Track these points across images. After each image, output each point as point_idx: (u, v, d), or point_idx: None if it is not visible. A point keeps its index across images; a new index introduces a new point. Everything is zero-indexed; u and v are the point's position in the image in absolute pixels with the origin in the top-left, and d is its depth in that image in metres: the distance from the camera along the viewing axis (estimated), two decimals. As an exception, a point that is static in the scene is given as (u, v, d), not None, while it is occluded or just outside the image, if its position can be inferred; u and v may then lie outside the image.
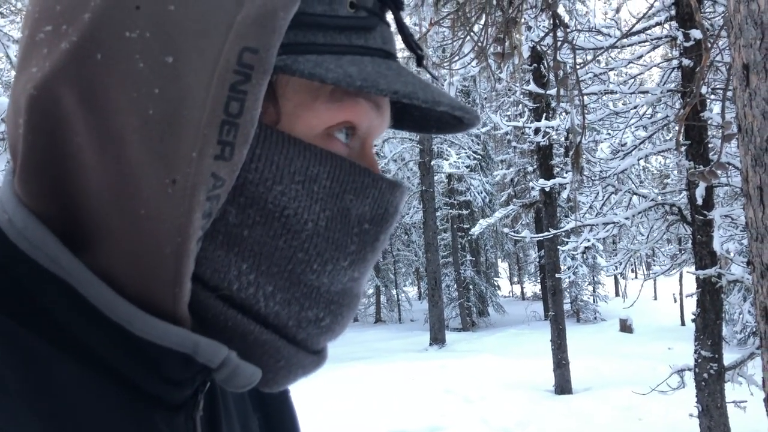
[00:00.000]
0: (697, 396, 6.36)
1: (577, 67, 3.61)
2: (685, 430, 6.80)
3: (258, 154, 0.45)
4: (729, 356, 6.50)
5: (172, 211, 0.42)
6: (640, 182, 13.21)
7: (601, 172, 6.94)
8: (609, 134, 9.62)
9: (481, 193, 22.49)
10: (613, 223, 7.02)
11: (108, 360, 0.44)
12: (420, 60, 0.57)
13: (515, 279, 34.31)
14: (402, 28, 0.54)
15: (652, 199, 6.81)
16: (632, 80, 7.24)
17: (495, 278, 27.03)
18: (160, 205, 0.42)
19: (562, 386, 10.71)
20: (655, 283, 31.47)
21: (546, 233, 8.62)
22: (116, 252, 0.43)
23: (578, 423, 8.36)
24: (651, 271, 10.63)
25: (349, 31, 0.48)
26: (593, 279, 23.22)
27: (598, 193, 7.92)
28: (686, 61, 6.34)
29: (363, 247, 0.51)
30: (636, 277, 34.91)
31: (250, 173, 0.45)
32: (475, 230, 11.79)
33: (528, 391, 10.45)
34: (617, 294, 29.47)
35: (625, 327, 19.45)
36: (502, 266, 37.29)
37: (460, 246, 22.70)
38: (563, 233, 8.84)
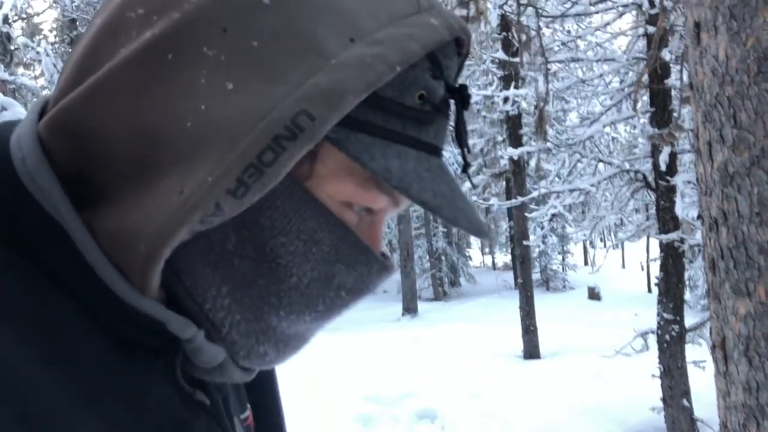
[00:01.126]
0: (659, 357, 6.55)
1: (540, 31, 3.63)
2: (648, 391, 7.00)
3: (278, 205, 0.47)
4: (691, 320, 6.69)
5: (165, 215, 0.43)
6: (609, 152, 13.36)
7: (567, 139, 7.01)
8: (578, 103, 9.69)
9: (453, 164, 22.56)
10: (579, 189, 7.12)
11: (92, 306, 0.46)
12: (465, 168, 0.57)
13: (486, 249, 34.64)
14: (459, 128, 0.54)
15: (617, 166, 6.92)
16: (597, 48, 7.29)
17: (467, 249, 27.23)
18: (159, 205, 0.43)
19: (531, 352, 10.92)
20: (623, 252, 32.04)
21: (513, 201, 8.71)
22: (109, 223, 0.45)
23: (546, 387, 8.56)
24: (617, 239, 10.81)
25: (407, 120, 0.49)
26: (562, 248, 23.55)
27: (564, 161, 8.01)
28: (651, 29, 6.40)
29: (331, 310, 0.53)
30: (605, 247, 35.48)
31: (263, 217, 0.47)
32: (446, 200, 11.81)
33: (497, 357, 10.64)
34: (586, 263, 29.95)
35: (594, 295, 19.83)
36: (474, 237, 37.53)
37: (432, 217, 22.81)
38: (531, 201, 8.94)
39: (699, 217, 1.97)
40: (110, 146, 0.45)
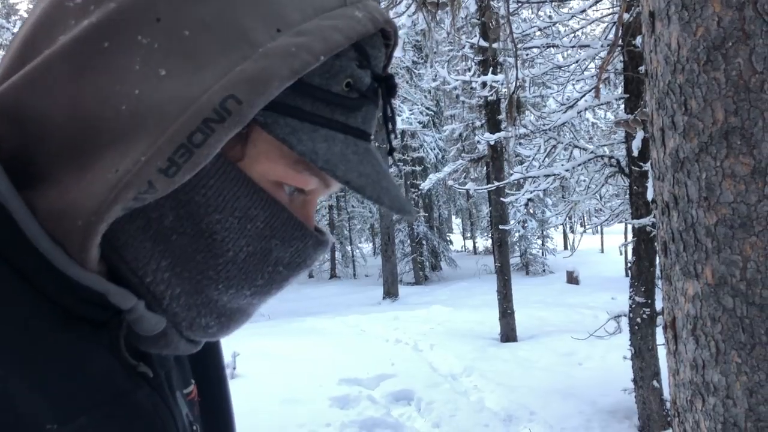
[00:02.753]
0: (630, 340, 6.67)
1: (510, 16, 3.67)
2: (620, 372, 7.14)
3: (211, 184, 0.49)
4: (662, 303, 6.80)
5: (100, 193, 0.45)
6: (590, 138, 13.47)
7: (543, 125, 7.08)
8: (556, 89, 9.75)
9: (434, 149, 22.61)
10: (554, 175, 7.20)
11: (34, 280, 0.48)
12: (391, 152, 0.61)
13: (468, 234, 34.82)
14: (386, 115, 0.58)
15: (592, 152, 7.00)
16: (573, 34, 7.35)
17: (448, 233, 27.38)
18: (95, 183, 0.46)
19: (507, 334, 11.05)
20: (602, 237, 32.35)
21: (489, 185, 8.79)
22: (49, 201, 0.47)
23: (521, 368, 8.69)
24: (592, 223, 10.95)
25: (334, 106, 0.52)
26: (542, 233, 23.75)
27: (540, 146, 8.09)
28: (626, 15, 6.46)
29: (270, 284, 0.55)
30: (584, 232, 35.69)
31: (198, 195, 0.49)
32: (425, 185, 11.93)
33: (475, 339, 10.76)
34: (566, 247, 30.21)
35: (572, 279, 20.04)
36: (456, 222, 37.75)
37: (413, 202, 22.88)
38: (507, 185, 9.03)
39: (653, 201, 2.04)
40: (48, 129, 0.47)
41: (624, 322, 7.04)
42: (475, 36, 9.34)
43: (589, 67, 7.93)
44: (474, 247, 33.29)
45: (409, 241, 22.93)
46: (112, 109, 0.46)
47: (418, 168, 22.62)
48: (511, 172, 8.92)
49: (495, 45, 6.45)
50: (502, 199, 9.90)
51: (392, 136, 0.59)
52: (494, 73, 9.84)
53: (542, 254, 24.00)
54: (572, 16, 7.17)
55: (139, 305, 0.51)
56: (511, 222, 15.97)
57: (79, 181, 0.46)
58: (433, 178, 11.61)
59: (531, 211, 21.06)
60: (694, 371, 1.90)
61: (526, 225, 21.07)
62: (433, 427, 6.60)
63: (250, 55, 0.47)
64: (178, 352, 0.57)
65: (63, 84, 0.47)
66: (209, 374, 0.76)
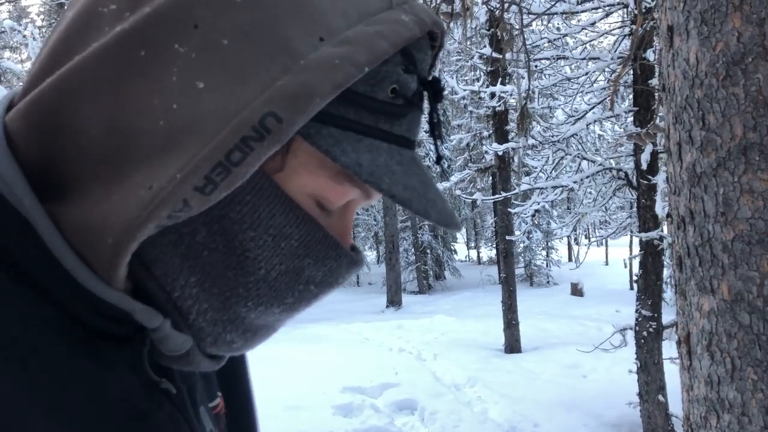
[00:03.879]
0: (636, 353, 6.64)
1: (524, 29, 3.68)
2: (625, 386, 7.11)
3: (247, 200, 0.47)
4: (669, 317, 6.78)
5: (133, 210, 0.43)
6: (596, 150, 13.45)
7: (551, 136, 7.08)
8: (564, 100, 9.77)
9: (446, 159, 22.63)
10: (562, 186, 7.19)
11: (56, 297, 0.46)
12: (438, 160, 0.58)
13: (472, 244, 34.79)
14: (433, 121, 0.55)
15: (600, 164, 6.99)
16: (583, 46, 7.36)
17: (452, 243, 27.34)
18: (128, 199, 0.44)
19: (512, 345, 11.01)
20: (606, 249, 32.28)
21: (497, 196, 8.78)
22: (76, 215, 0.45)
23: (525, 380, 8.65)
24: (598, 235, 10.93)
25: (379, 114, 0.49)
26: (547, 244, 23.71)
27: (548, 158, 8.09)
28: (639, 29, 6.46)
29: (299, 302, 0.53)
30: (590, 244, 35.67)
31: (232, 212, 0.47)
32: (432, 194, 11.86)
33: (479, 350, 10.73)
34: (570, 259, 30.15)
35: (576, 291, 19.99)
36: (461, 231, 37.74)
37: (418, 210, 22.80)
38: (514, 196, 9.02)
39: (668, 215, 2.03)
40: (81, 141, 0.45)
41: (630, 335, 7.01)
42: (484, 46, 9.36)
43: (598, 79, 7.94)
44: (478, 257, 33.25)
45: (413, 249, 22.91)
46: (148, 123, 0.44)
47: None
48: (518, 182, 8.92)
49: (508, 56, 6.46)
50: (509, 209, 9.89)
51: (439, 142, 0.56)
52: (503, 83, 9.86)
53: (547, 266, 23.96)
54: (582, 29, 7.19)
55: (165, 324, 0.50)
56: (517, 233, 15.95)
57: (110, 196, 0.44)
58: (439, 187, 11.55)
59: (536, 222, 21.04)
60: (708, 387, 1.89)
61: (531, 236, 21.04)
62: (437, 438, 6.57)
63: (291, 68, 0.44)
64: (200, 369, 0.55)
65: (97, 94, 0.44)
66: (235, 385, 0.75)
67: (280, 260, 0.50)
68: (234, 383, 0.74)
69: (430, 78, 0.53)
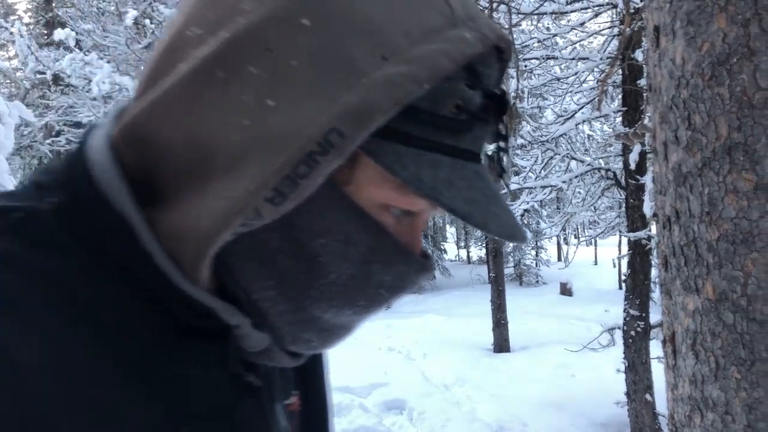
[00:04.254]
0: (624, 353, 6.67)
1: (512, 28, 3.69)
2: (613, 385, 7.14)
3: (316, 209, 0.51)
4: (656, 316, 6.82)
5: (212, 218, 0.48)
6: (585, 150, 13.50)
7: (540, 136, 7.09)
8: (553, 100, 9.80)
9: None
10: (551, 186, 7.21)
11: (150, 292, 0.51)
12: (501, 173, 0.58)
13: (462, 243, 34.84)
14: (499, 133, 0.56)
15: (589, 164, 7.02)
16: (573, 46, 7.38)
17: (442, 242, 27.36)
18: (208, 209, 0.48)
19: (501, 345, 11.04)
20: (596, 249, 32.42)
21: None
22: (168, 220, 0.50)
23: (514, 379, 8.68)
24: (587, 235, 10.97)
25: (442, 129, 0.50)
26: (536, 244, 23.78)
27: (538, 157, 8.11)
28: (627, 29, 6.48)
29: (371, 305, 0.56)
30: (579, 243, 35.83)
31: (302, 220, 0.51)
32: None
33: (468, 349, 10.75)
34: (560, 259, 30.25)
35: (565, 290, 20.06)
36: (450, 231, 37.78)
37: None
38: (503, 196, 9.03)
39: (655, 215, 2.03)
40: (168, 154, 0.50)
41: (618, 334, 7.04)
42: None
43: (587, 79, 7.96)
44: (468, 256, 33.29)
45: (403, 249, 22.89)
46: (224, 139, 0.48)
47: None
48: (507, 182, 8.93)
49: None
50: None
51: (503, 155, 0.57)
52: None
53: (536, 265, 24.03)
54: (571, 29, 7.21)
55: (245, 322, 0.55)
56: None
57: (194, 205, 0.49)
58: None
59: (526, 222, 21.09)
60: (693, 386, 1.90)
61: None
62: (426, 437, 6.57)
63: (354, 86, 0.47)
64: (281, 365, 0.59)
65: (180, 112, 0.49)
66: (312, 384, 0.77)
67: (349, 265, 0.53)
68: (311, 382, 0.77)
69: (497, 91, 0.54)
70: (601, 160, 8.01)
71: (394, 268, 0.55)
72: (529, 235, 20.29)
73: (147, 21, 10.81)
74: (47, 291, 0.45)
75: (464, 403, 7.63)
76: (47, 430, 0.42)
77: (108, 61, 10.26)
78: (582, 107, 7.10)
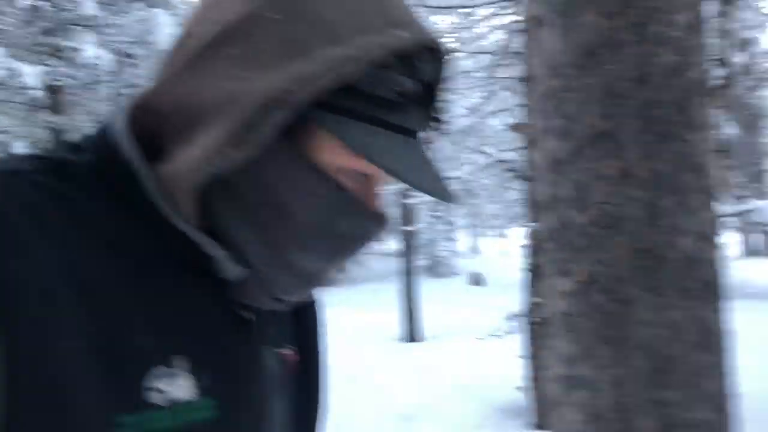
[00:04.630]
0: (525, 339, 6.89)
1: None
2: (516, 371, 7.36)
3: (282, 165, 0.63)
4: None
5: (191, 163, 0.60)
6: (493, 143, 13.82)
7: (446, 129, 7.17)
8: (461, 94, 9.97)
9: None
10: (457, 178, 7.35)
11: (152, 227, 0.63)
12: (432, 131, 0.71)
13: (378, 236, 35.00)
14: (432, 118, 0.69)
15: (492, 156, 7.19)
16: (479, 41, 7.53)
17: (358, 235, 27.40)
18: (189, 156, 0.60)
19: (411, 335, 11.19)
20: (508, 240, 33.34)
21: (391, 186, 8.86)
22: (164, 168, 0.62)
23: (422, 368, 8.81)
24: (496, 226, 11.24)
25: (381, 107, 0.63)
26: (449, 236, 24.21)
27: (445, 150, 8.23)
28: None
29: (336, 252, 0.67)
30: (491, 234, 36.78)
31: (271, 173, 0.63)
32: (334, 185, 11.85)
33: (378, 340, 10.84)
34: (473, 250, 30.93)
35: (478, 280, 20.55)
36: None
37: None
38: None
39: (535, 202, 2.09)
40: (166, 119, 0.64)
41: (521, 322, 7.26)
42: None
43: (493, 73, 8.13)
44: (383, 248, 33.52)
45: (318, 242, 22.79)
46: (206, 101, 0.61)
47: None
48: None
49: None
50: (405, 200, 10.00)
51: (433, 133, 0.71)
52: (403, 76, 9.89)
53: (449, 256, 24.47)
54: (476, 22, 7.34)
55: (225, 255, 0.64)
56: (417, 224, 16.18)
57: (182, 155, 0.61)
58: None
59: (438, 214, 21.44)
60: (566, 366, 1.97)
61: (433, 227, 21.43)
62: (334, 429, 6.57)
63: (305, 62, 0.60)
64: (265, 306, 0.69)
65: (175, 83, 0.64)
66: (308, 345, 0.87)
67: (314, 214, 0.64)
68: (307, 342, 0.87)
69: (430, 81, 0.67)
70: (509, 154, 8.22)
71: (354, 219, 0.65)
72: (440, 226, 20.48)
73: (47, 4, 10.26)
74: (70, 211, 0.59)
75: (372, 393, 7.68)
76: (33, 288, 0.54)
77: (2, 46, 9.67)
78: (484, 101, 7.24)
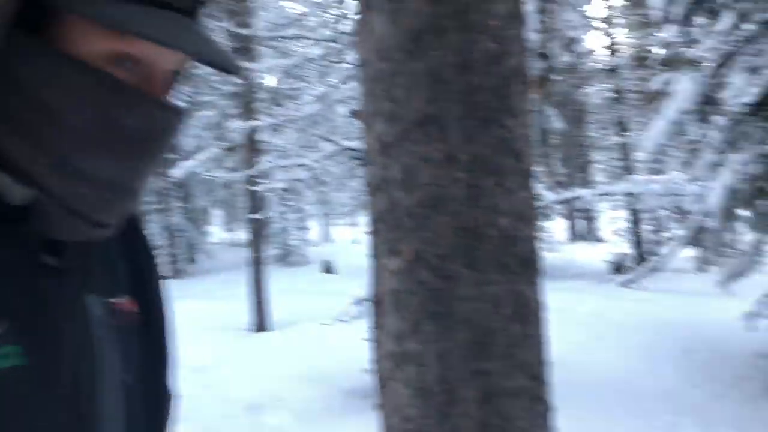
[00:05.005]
0: (370, 322, 7.04)
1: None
2: (363, 354, 7.51)
3: (32, 63, 0.59)
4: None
5: None
6: (344, 131, 13.94)
7: (293, 116, 7.16)
8: (309, 81, 9.97)
9: (194, 136, 21.76)
10: (304, 165, 7.34)
11: None
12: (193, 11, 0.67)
13: (231, 225, 34.23)
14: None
15: (337, 144, 7.26)
16: (325, 28, 7.54)
17: (206, 225, 26.62)
18: None
19: (260, 325, 11.07)
20: (359, 228, 33.89)
21: (237, 173, 8.69)
22: None
23: (272, 357, 8.75)
24: (345, 213, 11.39)
25: None
26: (301, 224, 24.16)
27: (293, 137, 8.20)
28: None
29: (128, 151, 0.62)
30: (339, 223, 37.23)
31: (30, 74, 0.59)
32: (178, 173, 11.41)
33: (227, 331, 10.61)
34: (325, 239, 31.11)
35: (329, 268, 20.70)
36: (218, 213, 36.90)
37: (167, 192, 21.81)
38: (260, 175, 9.01)
39: (368, 183, 2.13)
40: None
41: (366, 306, 7.40)
42: (228, 21, 9.12)
43: (341, 60, 8.19)
44: (234, 239, 32.81)
45: (166, 234, 21.81)
46: None
47: (173, 156, 21.60)
48: (264, 161, 8.91)
49: (247, 32, 6.36)
50: (254, 189, 9.84)
51: (200, 9, 0.68)
52: (251, 60, 9.72)
53: (301, 244, 24.42)
54: (325, 9, 7.35)
55: (8, 181, 0.61)
56: (268, 212, 16.02)
57: None
58: (186, 165, 11.12)
59: (289, 203, 21.31)
60: (395, 342, 2.03)
61: (285, 215, 21.27)
62: (179, 422, 6.35)
63: None
64: (86, 237, 0.65)
65: None
66: (147, 293, 0.84)
67: (84, 110, 0.59)
68: (146, 292, 0.84)
69: None
70: (357, 142, 8.32)
71: (138, 111, 0.61)
72: (292, 215, 20.28)
73: None
74: None
75: (218, 385, 7.50)
76: None
77: None
78: (329, 88, 7.27)
